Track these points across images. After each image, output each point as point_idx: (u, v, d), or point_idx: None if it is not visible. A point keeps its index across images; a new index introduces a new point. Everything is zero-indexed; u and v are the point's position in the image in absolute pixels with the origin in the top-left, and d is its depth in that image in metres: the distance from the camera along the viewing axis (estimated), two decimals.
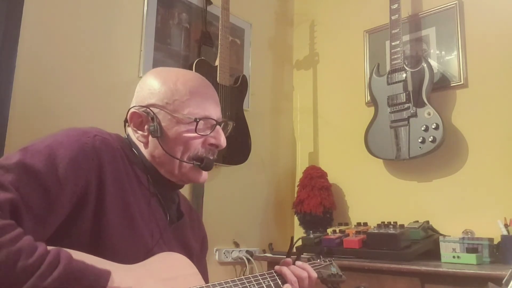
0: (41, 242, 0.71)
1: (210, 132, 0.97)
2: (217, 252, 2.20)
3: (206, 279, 1.13)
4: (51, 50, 1.71)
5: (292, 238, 1.32)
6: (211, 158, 1.00)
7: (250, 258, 2.25)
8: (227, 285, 0.90)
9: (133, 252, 0.85)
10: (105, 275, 0.72)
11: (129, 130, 1.00)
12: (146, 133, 0.96)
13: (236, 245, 2.30)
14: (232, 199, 2.33)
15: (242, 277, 0.95)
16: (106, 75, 1.87)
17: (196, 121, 0.94)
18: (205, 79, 1.04)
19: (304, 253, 1.12)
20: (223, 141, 1.00)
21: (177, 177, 0.98)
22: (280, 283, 0.99)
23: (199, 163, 0.96)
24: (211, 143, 0.98)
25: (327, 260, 1.19)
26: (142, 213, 0.90)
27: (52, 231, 0.78)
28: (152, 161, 0.97)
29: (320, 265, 1.15)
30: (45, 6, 1.71)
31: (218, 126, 0.99)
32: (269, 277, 0.99)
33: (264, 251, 2.38)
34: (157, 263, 0.87)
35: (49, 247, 0.71)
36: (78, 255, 0.75)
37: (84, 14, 1.83)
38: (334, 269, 1.17)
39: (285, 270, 1.01)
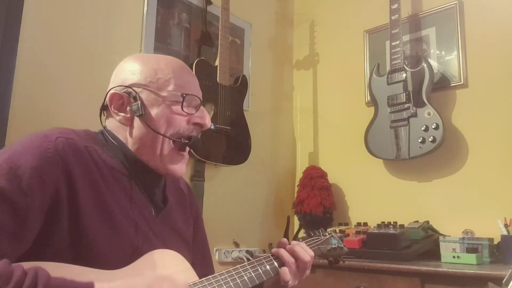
0: (18, 265, 0.68)
1: (195, 112, 0.95)
2: (217, 252, 2.20)
3: (206, 255, 1.12)
4: (51, 50, 1.71)
5: (288, 218, 1.29)
6: (198, 137, 0.97)
7: (250, 258, 2.25)
8: (222, 276, 0.88)
9: (119, 251, 0.83)
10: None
11: (109, 119, 0.96)
12: (128, 115, 0.93)
13: (236, 245, 2.30)
14: (232, 199, 2.33)
15: (238, 266, 0.92)
16: (106, 75, 1.86)
17: (183, 96, 0.92)
18: (186, 65, 1.03)
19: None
20: (208, 121, 0.97)
21: (157, 160, 0.93)
22: (277, 265, 0.97)
23: (187, 141, 0.94)
24: (195, 122, 0.96)
25: (327, 234, 1.16)
26: (123, 208, 0.87)
27: (29, 244, 0.75)
28: (133, 148, 0.93)
29: (319, 240, 1.13)
30: (45, 6, 1.71)
31: (202, 107, 0.97)
32: (266, 261, 0.97)
33: (264, 251, 2.38)
34: (145, 263, 0.84)
35: (26, 267, 0.68)
36: (60, 268, 0.73)
37: (84, 14, 1.83)
38: (335, 242, 1.15)
39: (282, 252, 0.98)
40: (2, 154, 0.78)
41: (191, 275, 0.91)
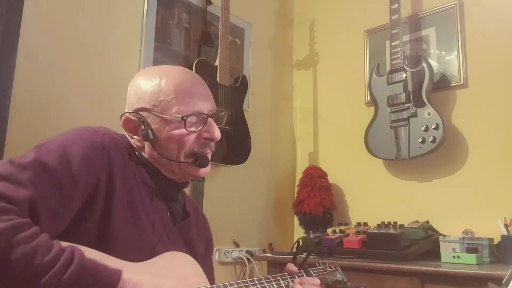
0: (56, 240, 0.73)
1: (202, 127, 0.97)
2: (217, 252, 2.20)
3: (212, 280, 1.13)
4: (51, 50, 1.71)
5: (298, 242, 1.33)
6: (208, 151, 1.00)
7: (250, 258, 2.25)
8: (231, 287, 0.90)
9: (138, 248, 0.87)
10: (116, 274, 0.74)
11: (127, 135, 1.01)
12: (140, 138, 0.97)
13: (236, 245, 2.30)
14: (232, 199, 2.33)
15: (247, 279, 0.95)
16: (106, 75, 1.87)
17: (184, 119, 0.94)
18: (192, 73, 1.03)
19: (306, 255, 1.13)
20: (217, 134, 0.99)
21: (178, 175, 0.99)
22: (283, 285, 1.00)
23: (194, 162, 0.97)
24: (205, 137, 0.98)
25: (332, 267, 1.20)
26: (147, 211, 0.92)
27: (65, 225, 0.80)
28: (153, 163, 0.98)
29: (325, 271, 1.16)
30: (45, 6, 1.71)
31: (210, 119, 0.98)
32: (274, 280, 1.00)
33: (264, 251, 2.38)
34: (163, 262, 0.88)
35: (63, 244, 0.73)
36: (90, 252, 0.76)
37: (84, 14, 1.83)
38: (339, 276, 1.18)
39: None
40: (55, 140, 0.84)
41: (204, 281, 0.95)
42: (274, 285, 0.99)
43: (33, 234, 0.70)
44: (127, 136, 0.99)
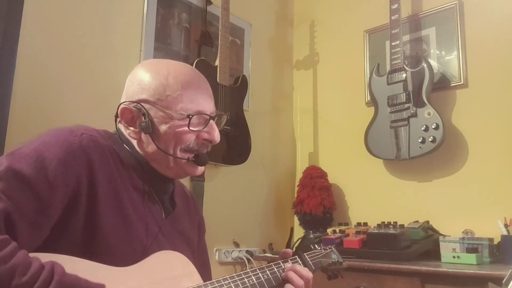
0: (35, 257, 0.70)
1: (204, 127, 0.96)
2: (217, 252, 2.20)
3: (206, 262, 1.14)
4: (51, 50, 1.71)
5: (291, 229, 1.32)
6: (205, 151, 0.99)
7: (250, 258, 2.25)
8: (225, 281, 0.89)
9: (130, 248, 0.85)
10: None
11: (120, 126, 0.98)
12: (137, 129, 0.94)
13: (236, 245, 2.30)
14: (232, 199, 2.33)
15: (241, 272, 0.94)
16: (106, 75, 1.87)
17: (189, 117, 0.92)
18: (197, 71, 1.02)
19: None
20: (216, 136, 0.99)
21: (173, 170, 0.96)
22: (278, 274, 0.99)
23: (194, 159, 0.96)
24: (204, 138, 0.97)
25: (327, 248, 1.18)
26: (136, 208, 0.89)
27: (47, 233, 0.77)
28: (145, 156, 0.95)
29: (320, 253, 1.14)
30: (45, 6, 1.71)
31: (211, 121, 0.98)
32: (268, 269, 0.99)
33: (264, 251, 2.38)
34: (154, 263, 0.86)
35: (43, 261, 0.70)
36: (72, 262, 0.74)
37: (84, 14, 1.83)
38: (334, 256, 1.17)
39: (291, 275, 0.99)
40: (30, 144, 0.80)
41: (196, 279, 0.93)
42: (268, 273, 0.98)
43: (10, 253, 0.67)
44: (122, 127, 0.97)
